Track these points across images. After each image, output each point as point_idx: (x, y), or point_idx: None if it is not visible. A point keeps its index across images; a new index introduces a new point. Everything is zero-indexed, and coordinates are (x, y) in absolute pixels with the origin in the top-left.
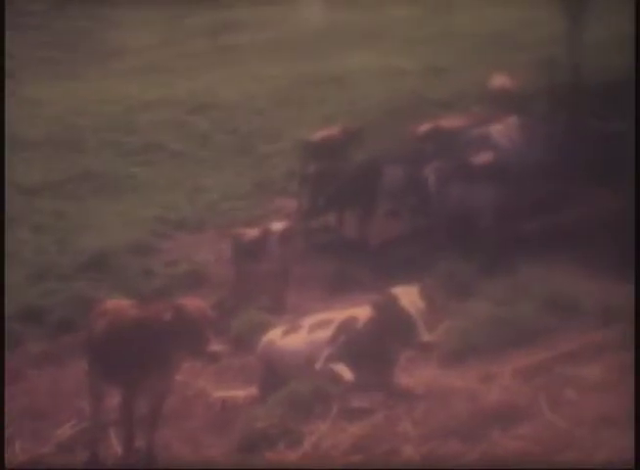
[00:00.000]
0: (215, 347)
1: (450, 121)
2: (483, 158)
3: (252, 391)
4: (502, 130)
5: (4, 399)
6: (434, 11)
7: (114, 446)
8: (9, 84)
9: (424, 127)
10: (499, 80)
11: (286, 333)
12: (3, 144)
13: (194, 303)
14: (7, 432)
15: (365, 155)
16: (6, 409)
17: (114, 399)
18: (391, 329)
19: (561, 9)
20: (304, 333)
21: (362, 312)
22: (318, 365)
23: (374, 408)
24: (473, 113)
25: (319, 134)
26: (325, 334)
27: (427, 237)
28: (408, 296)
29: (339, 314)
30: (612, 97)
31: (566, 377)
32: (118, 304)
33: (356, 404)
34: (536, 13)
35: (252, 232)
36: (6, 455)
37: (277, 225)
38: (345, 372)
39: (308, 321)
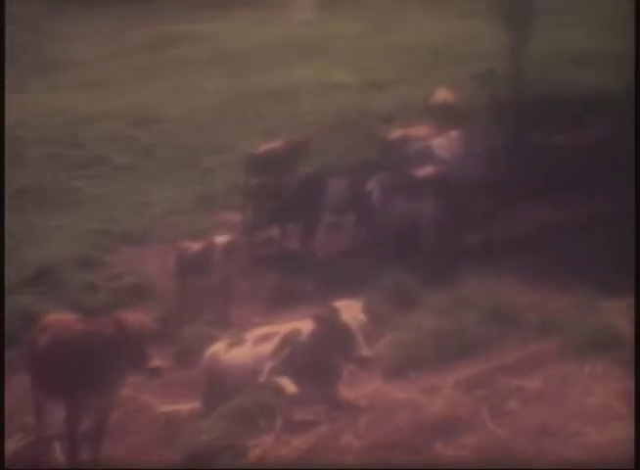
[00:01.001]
0: (156, 362)
1: (417, 130)
2: (426, 171)
3: (197, 404)
4: (444, 144)
5: (4, 398)
6: (375, 25)
7: (60, 460)
8: None
9: (394, 135)
10: (441, 94)
11: (230, 346)
12: (3, 144)
13: (136, 317)
14: None
15: (308, 168)
16: None
17: (59, 413)
18: (332, 343)
19: (501, 23)
20: (248, 346)
21: (305, 326)
22: (262, 378)
23: (317, 421)
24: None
25: (262, 148)
26: (269, 347)
27: (370, 250)
28: (350, 310)
29: (282, 328)
30: (552, 110)
31: (507, 388)
32: (61, 318)
33: (300, 417)
34: (477, 27)
35: (196, 246)
36: None
37: (221, 239)
38: (289, 385)
39: (252, 334)
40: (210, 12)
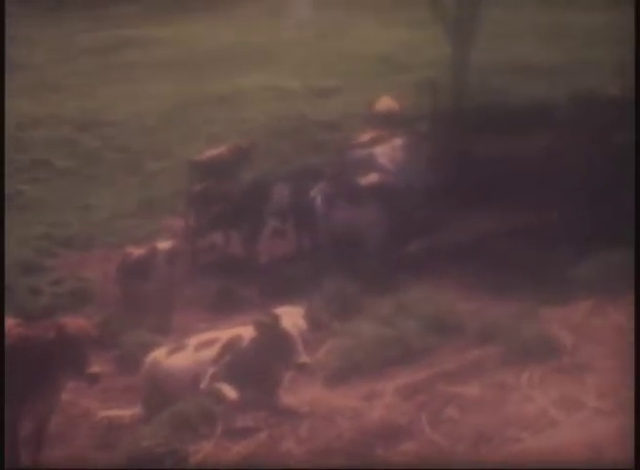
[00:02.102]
0: (95, 368)
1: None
2: (369, 179)
3: (138, 410)
4: (387, 152)
5: (4, 398)
6: (322, 33)
7: None
8: None
9: (364, 137)
10: (384, 103)
11: (171, 352)
12: (3, 143)
13: (76, 322)
14: None
15: (253, 174)
16: None
17: None
18: (273, 349)
19: (446, 33)
20: (190, 352)
21: (247, 332)
22: (203, 384)
23: (258, 427)
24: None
25: (207, 153)
26: (210, 353)
27: (313, 257)
28: (290, 316)
29: (224, 334)
30: (493, 120)
31: (446, 395)
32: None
33: (241, 423)
34: (421, 36)
35: (139, 251)
36: None
37: (163, 244)
38: (230, 391)
39: (194, 340)
40: (162, 17)
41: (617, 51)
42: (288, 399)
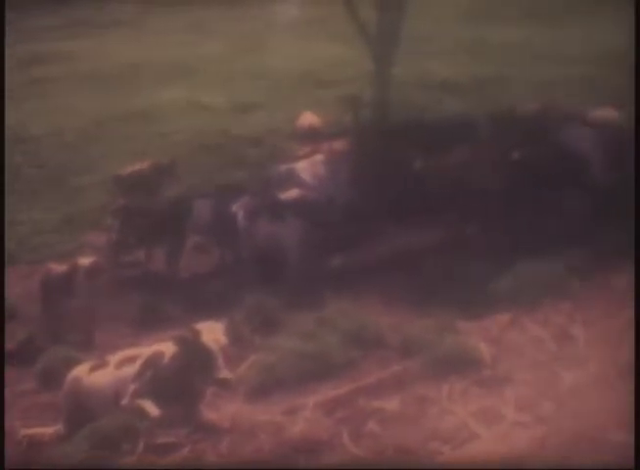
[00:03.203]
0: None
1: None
2: (290, 194)
3: (60, 427)
4: (308, 167)
5: (4, 398)
6: (245, 48)
7: None
8: None
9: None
10: (307, 118)
11: (92, 369)
12: (3, 144)
13: None
14: None
15: (175, 190)
16: None
17: None
18: (194, 365)
19: (368, 48)
20: (111, 369)
21: (168, 348)
22: (124, 401)
23: (180, 443)
24: None
25: (129, 168)
26: (131, 370)
27: (235, 272)
28: (211, 331)
29: (145, 350)
30: (415, 136)
31: (367, 409)
32: None
33: (163, 440)
34: (343, 52)
35: (61, 267)
36: None
37: (85, 260)
38: (151, 408)
39: (115, 357)
40: (82, 31)
41: (537, 67)
42: (209, 414)
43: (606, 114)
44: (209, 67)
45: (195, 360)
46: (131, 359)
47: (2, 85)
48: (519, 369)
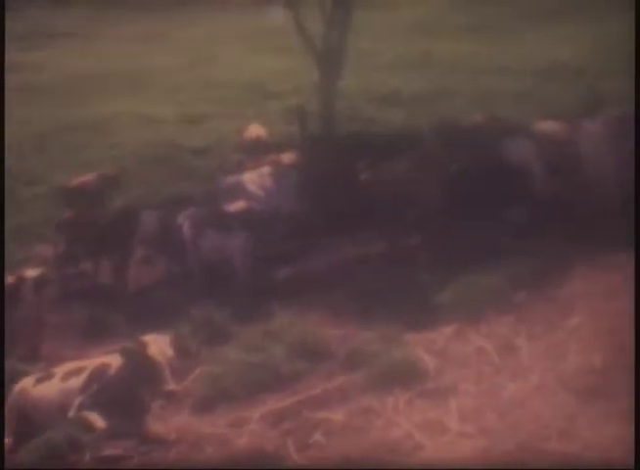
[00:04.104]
0: None
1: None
2: (236, 206)
3: (6, 440)
4: (255, 179)
5: (4, 398)
6: (192, 59)
7: None
8: None
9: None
10: (254, 130)
11: (39, 381)
12: (3, 144)
13: None
14: None
15: (122, 201)
16: None
17: None
18: (140, 377)
19: (314, 60)
20: (57, 381)
21: (114, 360)
22: (71, 413)
23: (126, 455)
24: None
25: (76, 180)
26: (77, 382)
27: (182, 284)
28: (157, 344)
29: (91, 362)
30: (361, 147)
31: (313, 421)
32: None
33: (109, 452)
34: (290, 63)
35: (8, 279)
36: None
37: (31, 272)
38: (98, 420)
39: (61, 369)
40: (32, 42)
41: (481, 80)
42: (155, 426)
43: (548, 126)
44: (158, 78)
45: (141, 373)
46: (77, 371)
47: (2, 85)
48: (463, 380)
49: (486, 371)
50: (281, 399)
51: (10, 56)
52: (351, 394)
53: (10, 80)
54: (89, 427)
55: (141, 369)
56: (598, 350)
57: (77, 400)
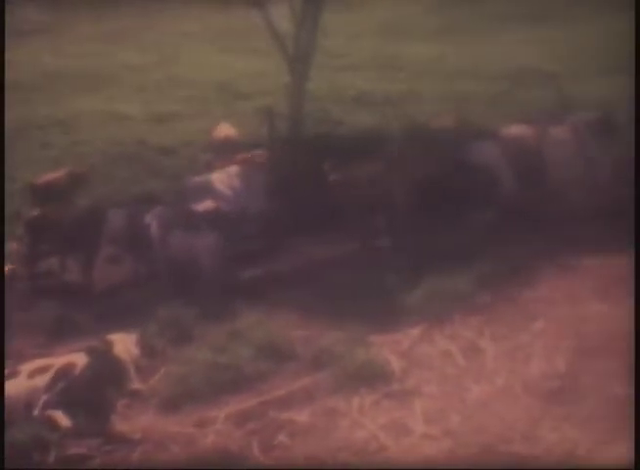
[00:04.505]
0: None
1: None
2: (204, 205)
3: None
4: (223, 179)
5: (4, 399)
6: (160, 58)
7: None
8: None
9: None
10: (223, 130)
11: (5, 379)
12: (3, 144)
13: None
14: None
15: (89, 200)
16: None
17: None
18: (106, 376)
19: (284, 61)
20: (23, 379)
21: (79, 359)
22: (36, 412)
23: (91, 455)
24: None
25: (44, 178)
26: (43, 380)
27: (149, 283)
28: (123, 343)
29: (57, 361)
30: (331, 148)
31: (278, 421)
32: None
33: (74, 451)
34: (260, 64)
35: None
36: None
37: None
38: (63, 419)
39: (27, 367)
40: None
41: (451, 83)
42: (121, 425)
43: (517, 130)
44: (127, 76)
45: (106, 372)
46: (43, 370)
47: (2, 83)
48: (428, 382)
49: (451, 373)
50: (246, 400)
51: None
52: (317, 394)
53: None
54: (54, 426)
55: (106, 368)
56: (562, 353)
57: (43, 399)
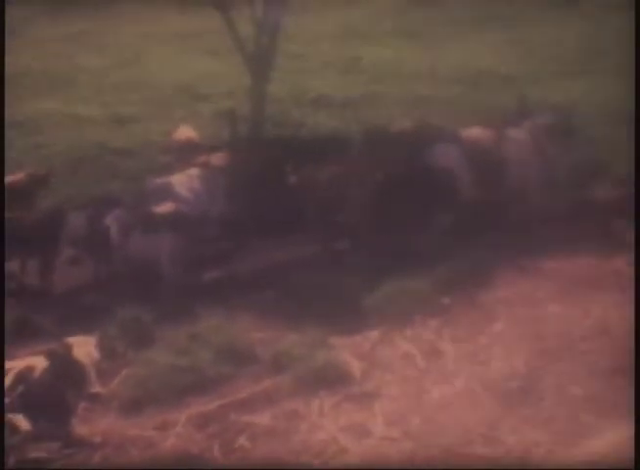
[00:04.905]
0: None
1: None
2: (164, 208)
3: None
4: (184, 181)
5: (4, 398)
6: (122, 60)
7: None
8: None
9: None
10: (183, 132)
11: None
12: (3, 143)
13: None
14: None
15: (49, 202)
16: None
17: None
18: (65, 379)
19: (244, 63)
20: None
21: (39, 362)
22: None
23: (51, 458)
24: None
25: (5, 179)
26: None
27: (109, 286)
28: (83, 346)
29: (16, 364)
30: (292, 150)
31: (238, 424)
32: None
33: (34, 454)
34: (220, 66)
35: None
36: None
37: None
38: (22, 422)
39: None
40: None
41: (411, 86)
42: (81, 429)
43: (475, 133)
44: (87, 78)
45: (66, 375)
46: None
47: (2, 83)
48: (388, 385)
49: (411, 375)
50: (207, 403)
51: None
52: (277, 397)
53: None
54: (14, 429)
55: (66, 371)
56: (521, 355)
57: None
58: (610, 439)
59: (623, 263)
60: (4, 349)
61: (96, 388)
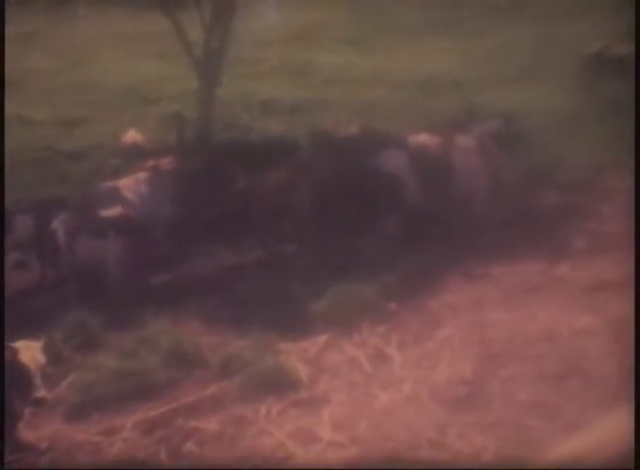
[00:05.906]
0: None
1: None
2: (111, 212)
3: None
4: (131, 185)
5: (4, 398)
6: (70, 62)
7: None
8: None
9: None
10: (130, 135)
11: None
12: (3, 143)
13: None
14: None
15: None
16: None
17: None
18: (11, 384)
19: (193, 67)
20: None
21: None
22: None
23: None
24: None
25: None
26: None
27: (56, 289)
28: (29, 350)
29: None
30: (239, 154)
31: (185, 429)
32: None
33: None
34: (168, 69)
35: None
36: None
37: None
38: None
39: None
40: None
41: (359, 91)
42: (27, 434)
43: (423, 139)
44: (34, 80)
45: (12, 379)
46: None
47: (2, 83)
48: (335, 390)
49: (359, 381)
50: (154, 408)
51: None
52: (225, 402)
53: None
54: None
55: (12, 376)
56: (468, 360)
57: None
58: (558, 444)
59: (568, 269)
60: (4, 347)
61: (42, 393)
